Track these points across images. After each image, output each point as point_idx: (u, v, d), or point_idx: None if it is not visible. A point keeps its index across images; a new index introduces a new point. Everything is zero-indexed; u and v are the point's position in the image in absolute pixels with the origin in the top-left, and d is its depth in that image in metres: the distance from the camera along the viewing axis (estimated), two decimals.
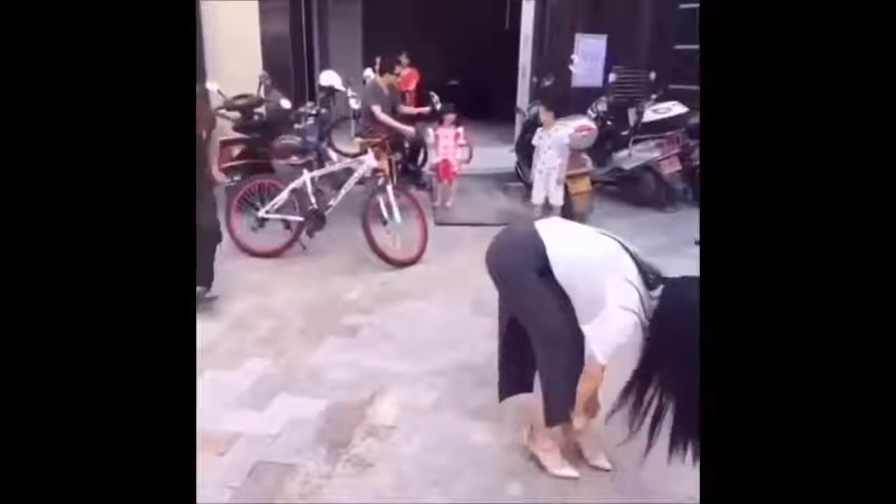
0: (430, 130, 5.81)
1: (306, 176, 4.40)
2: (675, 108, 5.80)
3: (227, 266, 4.13)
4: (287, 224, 4.44)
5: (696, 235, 5.21)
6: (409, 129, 5.50)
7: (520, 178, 6.31)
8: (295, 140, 5.02)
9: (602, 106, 6.09)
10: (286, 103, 5.59)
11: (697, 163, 5.57)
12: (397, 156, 5.55)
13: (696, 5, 7.21)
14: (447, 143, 5.64)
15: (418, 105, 7.75)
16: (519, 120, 7.19)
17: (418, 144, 6.04)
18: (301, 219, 4.36)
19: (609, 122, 6.11)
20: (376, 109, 5.32)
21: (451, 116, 5.67)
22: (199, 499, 2.01)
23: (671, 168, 5.58)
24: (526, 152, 6.12)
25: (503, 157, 7.09)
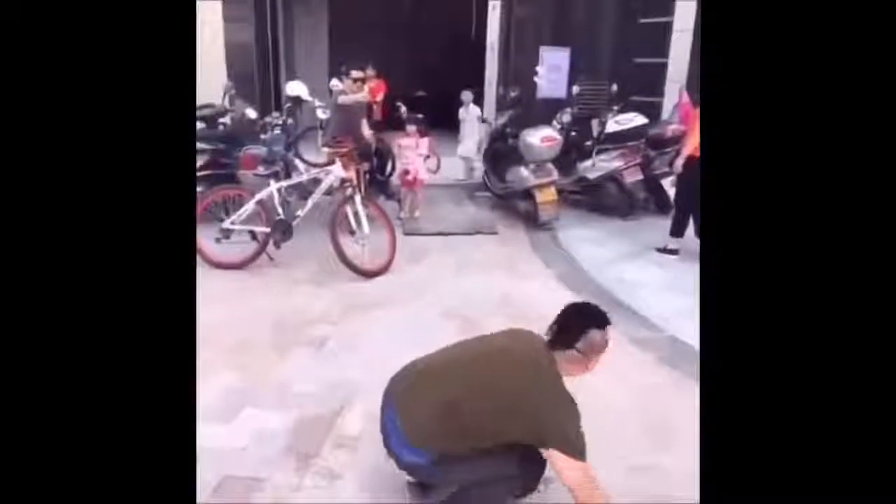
0: (397, 140, 5.84)
1: (273, 186, 4.36)
2: (636, 119, 5.96)
3: None
4: (254, 235, 4.39)
5: (658, 243, 5.28)
6: (367, 133, 5.54)
7: (487, 188, 6.37)
8: (261, 150, 4.97)
9: (566, 117, 6.21)
10: (252, 113, 5.54)
11: (658, 172, 5.73)
12: (365, 166, 5.54)
13: (656, 20, 7.45)
14: (408, 152, 5.68)
15: (385, 116, 7.78)
16: (486, 130, 7.27)
17: (386, 154, 6.05)
18: (268, 230, 4.31)
19: (573, 133, 6.24)
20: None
21: (411, 127, 5.71)
22: None
23: (633, 177, 5.72)
24: (493, 162, 6.20)
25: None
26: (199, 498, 2.06)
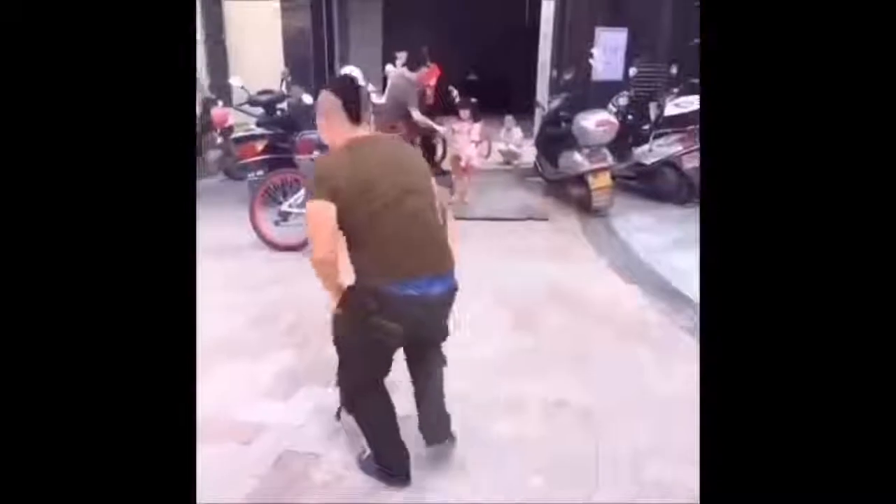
0: (452, 125, 5.85)
1: None
2: (697, 102, 5.74)
3: (252, 259, 4.21)
4: None
5: None
6: (441, 129, 5.61)
7: (539, 173, 6.30)
8: (317, 135, 5.08)
9: (623, 100, 6.04)
10: (308, 98, 5.65)
11: None
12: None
13: None
14: (460, 138, 5.67)
15: (437, 100, 7.80)
16: (538, 114, 7.17)
17: (436, 138, 6.09)
18: None
19: (630, 117, 6.06)
20: (415, 113, 5.50)
21: (465, 112, 5.69)
22: (230, 485, 2.08)
23: (692, 163, 5.52)
24: (546, 146, 6.11)
25: (523, 151, 7.10)
26: (258, 470, 2.17)
